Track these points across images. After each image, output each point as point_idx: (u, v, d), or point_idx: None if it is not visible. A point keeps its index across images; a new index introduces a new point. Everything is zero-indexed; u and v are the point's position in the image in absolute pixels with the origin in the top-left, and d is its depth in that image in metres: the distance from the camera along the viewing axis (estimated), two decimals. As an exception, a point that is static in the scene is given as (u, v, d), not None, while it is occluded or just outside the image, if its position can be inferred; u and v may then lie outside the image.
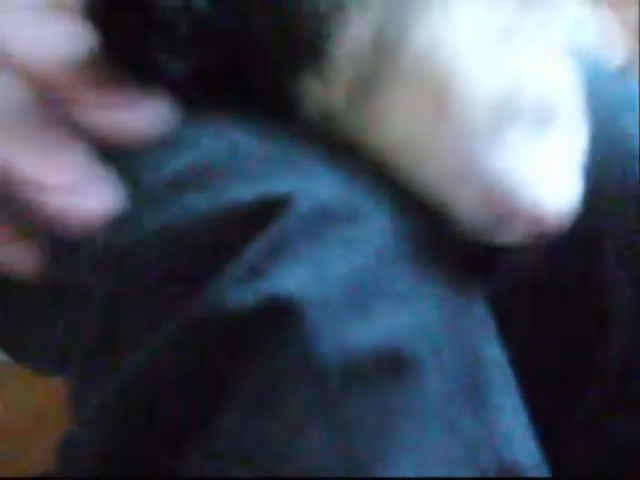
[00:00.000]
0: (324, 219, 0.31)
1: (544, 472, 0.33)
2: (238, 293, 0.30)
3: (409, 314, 0.32)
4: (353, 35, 0.36)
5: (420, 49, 0.34)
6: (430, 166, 0.34)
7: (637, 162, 0.43)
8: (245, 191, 0.31)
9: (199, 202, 0.31)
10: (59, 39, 0.36)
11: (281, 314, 0.30)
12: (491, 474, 0.32)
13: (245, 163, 0.32)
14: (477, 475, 0.31)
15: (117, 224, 0.32)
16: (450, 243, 0.34)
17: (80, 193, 0.32)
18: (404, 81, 0.35)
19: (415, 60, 0.35)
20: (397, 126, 0.35)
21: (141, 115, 0.34)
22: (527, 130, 0.34)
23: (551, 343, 0.43)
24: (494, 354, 0.35)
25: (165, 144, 0.34)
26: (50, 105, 0.34)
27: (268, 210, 0.30)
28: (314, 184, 0.32)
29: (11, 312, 0.44)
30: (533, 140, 0.34)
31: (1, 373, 0.70)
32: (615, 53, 0.76)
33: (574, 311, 0.43)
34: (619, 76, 0.54)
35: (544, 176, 0.33)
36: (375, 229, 0.32)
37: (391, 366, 0.30)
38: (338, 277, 0.30)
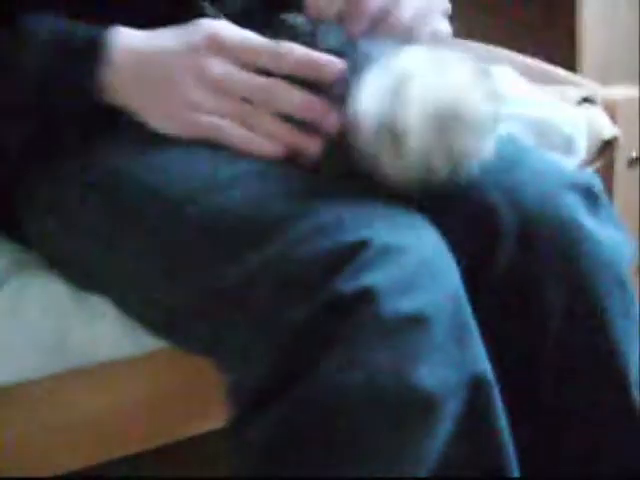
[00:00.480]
0: (388, 250, 0.53)
1: (494, 381, 0.58)
2: (347, 284, 0.52)
3: (430, 297, 0.53)
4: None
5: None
6: None
7: (568, 223, 0.63)
8: (348, 236, 0.53)
9: (325, 242, 0.54)
10: None
11: (368, 295, 0.51)
12: (467, 379, 0.54)
13: (348, 220, 0.56)
14: (462, 375, 0.54)
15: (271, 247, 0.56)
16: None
17: None
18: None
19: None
20: None
21: None
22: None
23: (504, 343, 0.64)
24: (473, 323, 0.57)
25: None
26: None
27: (358, 247, 0.53)
28: (381, 232, 0.54)
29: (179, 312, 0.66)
30: None
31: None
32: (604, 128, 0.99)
33: (522, 325, 0.64)
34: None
35: None
36: (414, 255, 0.56)
37: (418, 320, 0.52)
38: (395, 277, 0.52)
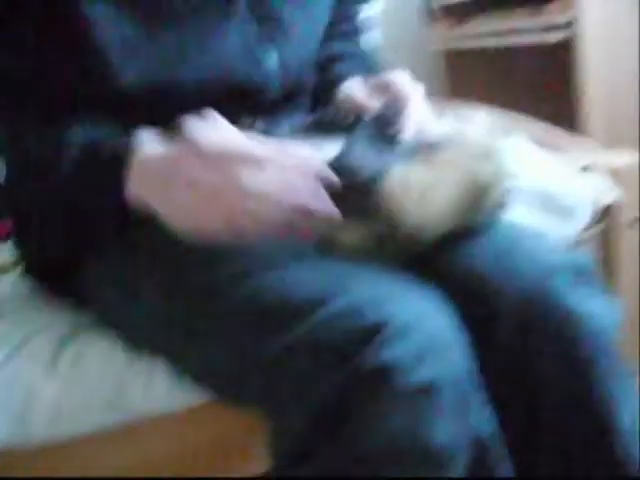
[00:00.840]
0: (404, 328, 0.61)
1: (499, 442, 0.66)
2: (370, 360, 0.60)
3: (440, 370, 0.61)
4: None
5: None
6: None
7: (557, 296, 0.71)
8: (370, 318, 0.62)
9: (351, 322, 0.62)
10: None
11: (387, 369, 0.60)
12: (472, 439, 0.64)
13: (370, 303, 0.63)
14: (468, 435, 0.63)
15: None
16: None
17: None
18: None
19: None
20: None
21: None
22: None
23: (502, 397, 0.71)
24: (476, 389, 0.66)
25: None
26: None
27: (379, 327, 0.61)
28: (397, 313, 0.62)
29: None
30: None
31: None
32: (606, 193, 1.08)
33: (520, 389, 0.71)
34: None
35: None
36: (426, 332, 0.63)
37: (430, 389, 0.61)
38: (410, 352, 0.61)
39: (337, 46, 1.04)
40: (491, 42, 1.98)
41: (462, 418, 0.63)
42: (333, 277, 0.67)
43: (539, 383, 0.71)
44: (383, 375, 0.60)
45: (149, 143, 0.73)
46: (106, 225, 0.79)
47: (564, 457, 0.71)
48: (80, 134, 0.76)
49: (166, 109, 0.77)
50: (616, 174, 1.10)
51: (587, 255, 0.77)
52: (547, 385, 0.71)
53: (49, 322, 0.93)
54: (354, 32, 1.10)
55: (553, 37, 1.69)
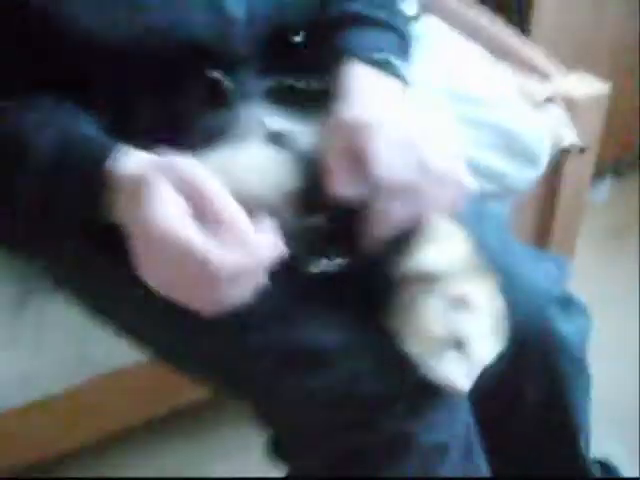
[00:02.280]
0: (422, 396, 0.64)
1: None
2: (392, 424, 0.64)
3: (450, 431, 0.67)
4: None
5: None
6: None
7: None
8: (393, 381, 0.64)
9: (370, 386, 0.64)
10: None
11: (407, 435, 0.64)
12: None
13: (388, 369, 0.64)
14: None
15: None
16: None
17: None
18: None
19: None
20: None
21: None
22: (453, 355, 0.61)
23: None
24: (477, 439, 0.72)
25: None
26: None
27: (399, 395, 0.64)
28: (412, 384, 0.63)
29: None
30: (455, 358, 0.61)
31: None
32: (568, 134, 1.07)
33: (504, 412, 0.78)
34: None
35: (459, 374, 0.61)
36: (441, 399, 0.65)
37: (441, 448, 0.66)
38: (426, 419, 0.65)
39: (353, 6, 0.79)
40: None
41: (465, 466, 0.70)
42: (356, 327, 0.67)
43: (521, 405, 0.77)
44: (403, 439, 0.65)
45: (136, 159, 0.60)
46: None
47: (534, 457, 0.80)
48: (50, 135, 0.62)
49: (127, 65, 0.67)
50: (574, 106, 1.09)
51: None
52: (527, 407, 0.77)
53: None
54: None
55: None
